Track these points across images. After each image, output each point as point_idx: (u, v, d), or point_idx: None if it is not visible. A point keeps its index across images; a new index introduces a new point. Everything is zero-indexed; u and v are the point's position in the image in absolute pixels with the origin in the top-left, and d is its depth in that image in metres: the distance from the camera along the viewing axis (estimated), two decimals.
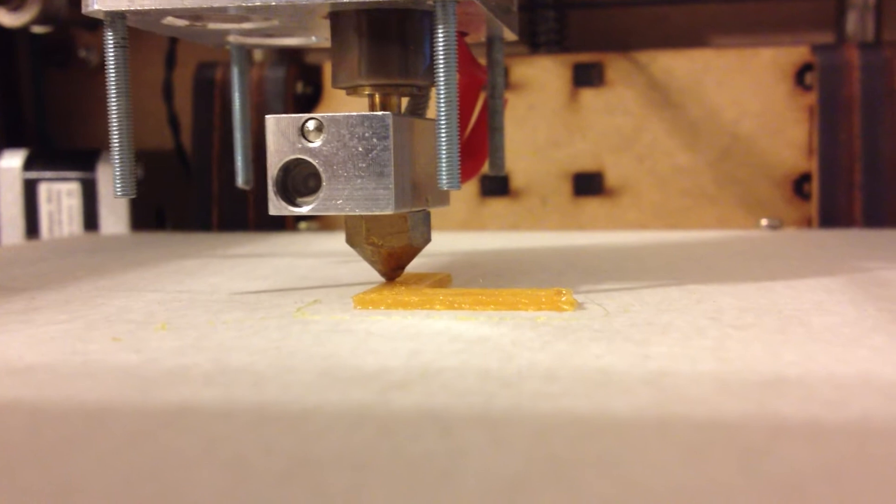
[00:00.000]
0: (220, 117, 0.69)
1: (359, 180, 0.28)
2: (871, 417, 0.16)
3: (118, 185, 0.31)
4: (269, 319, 0.27)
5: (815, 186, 0.61)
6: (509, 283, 0.34)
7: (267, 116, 0.28)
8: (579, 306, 0.28)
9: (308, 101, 0.69)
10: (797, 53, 0.62)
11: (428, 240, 0.32)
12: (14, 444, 0.16)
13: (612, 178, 0.64)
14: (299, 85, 0.68)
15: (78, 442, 0.16)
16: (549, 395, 0.18)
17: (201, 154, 0.69)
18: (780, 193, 0.62)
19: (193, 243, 0.55)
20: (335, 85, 0.31)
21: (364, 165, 0.28)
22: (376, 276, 0.35)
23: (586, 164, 0.64)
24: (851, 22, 0.64)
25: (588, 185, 0.64)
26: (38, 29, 0.69)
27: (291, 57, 0.73)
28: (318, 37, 0.35)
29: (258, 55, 0.72)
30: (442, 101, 0.27)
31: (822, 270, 0.37)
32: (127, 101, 0.30)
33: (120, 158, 0.30)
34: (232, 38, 0.35)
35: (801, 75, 0.62)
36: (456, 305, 0.28)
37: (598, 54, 0.64)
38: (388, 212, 0.28)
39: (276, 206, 0.29)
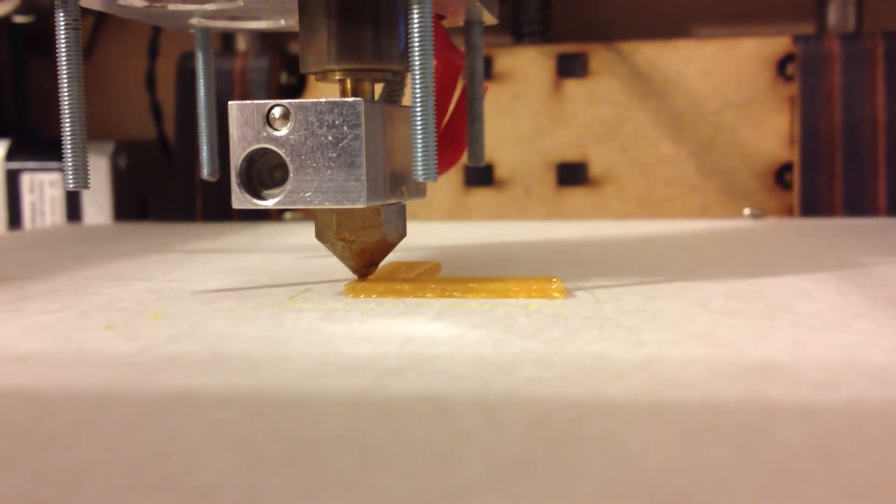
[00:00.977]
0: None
1: (328, 171, 0.26)
2: (861, 399, 0.17)
3: (70, 177, 0.28)
4: (261, 308, 0.27)
5: (796, 176, 0.62)
6: (498, 272, 0.34)
7: (230, 103, 0.27)
8: (569, 294, 0.29)
9: (292, 92, 0.69)
10: (779, 44, 0.62)
11: (403, 234, 0.31)
12: (19, 430, 0.16)
13: (595, 168, 0.64)
14: (283, 75, 0.68)
15: (83, 428, 0.16)
16: (544, 380, 0.19)
17: (185, 144, 0.69)
18: (762, 183, 0.63)
19: (178, 233, 0.55)
20: (303, 70, 0.29)
21: (334, 155, 0.26)
22: None
23: (570, 155, 0.65)
24: (833, 13, 0.65)
25: (572, 175, 0.65)
26: (19, 18, 0.69)
27: (275, 47, 0.73)
28: (286, 20, 0.33)
29: (241, 45, 0.72)
30: (417, 87, 0.26)
31: (805, 258, 0.38)
32: (80, 86, 0.28)
33: (72, 148, 0.28)
34: (195, 21, 0.34)
35: (782, 66, 0.62)
36: (447, 293, 0.28)
37: (582, 45, 0.64)
38: (360, 205, 0.26)
39: (240, 199, 0.27)
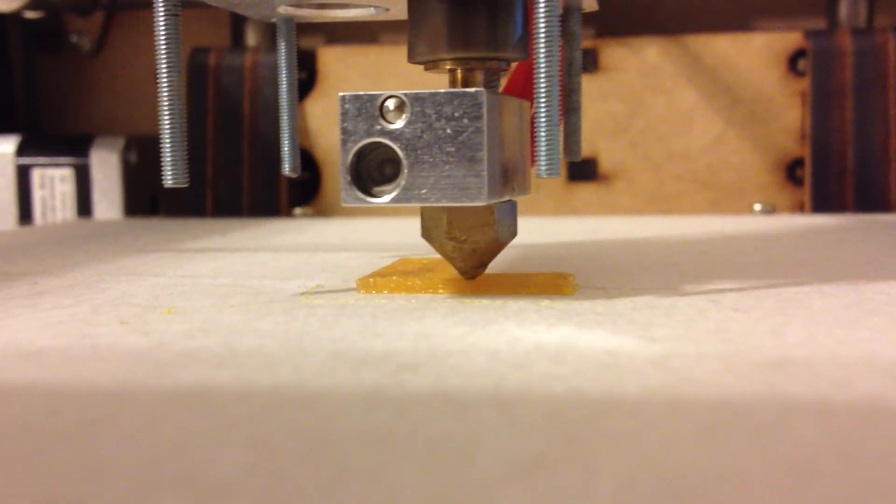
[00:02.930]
0: (215, 102, 0.69)
1: (446, 167, 0.24)
2: (878, 396, 0.17)
3: (169, 173, 0.27)
4: (274, 303, 0.27)
5: (807, 171, 0.62)
6: (509, 268, 0.34)
7: (341, 94, 0.25)
8: (581, 290, 0.29)
9: (302, 87, 0.69)
10: (790, 39, 0.62)
11: (514, 234, 0.29)
12: (38, 425, 0.16)
13: (605, 164, 0.64)
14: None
15: (99, 423, 0.16)
16: (559, 377, 0.19)
17: (195, 139, 0.69)
18: (773, 178, 0.63)
19: (189, 229, 0.55)
20: (411, 59, 0.28)
21: (452, 150, 0.24)
22: (376, 262, 0.35)
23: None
24: (844, 8, 0.64)
25: (582, 170, 0.65)
26: (30, 14, 0.69)
27: None
28: (381, 7, 0.31)
29: (251, 40, 0.72)
30: (542, 77, 0.24)
31: (817, 254, 0.38)
32: (179, 77, 0.27)
33: (171, 143, 0.27)
34: (282, 10, 0.32)
35: (794, 61, 0.62)
36: (458, 290, 0.28)
37: (592, 40, 0.64)
38: (480, 203, 0.25)
39: (351, 196, 0.25)
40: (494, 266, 0.34)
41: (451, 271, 0.30)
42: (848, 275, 0.31)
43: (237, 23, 0.73)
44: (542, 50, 0.25)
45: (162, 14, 0.26)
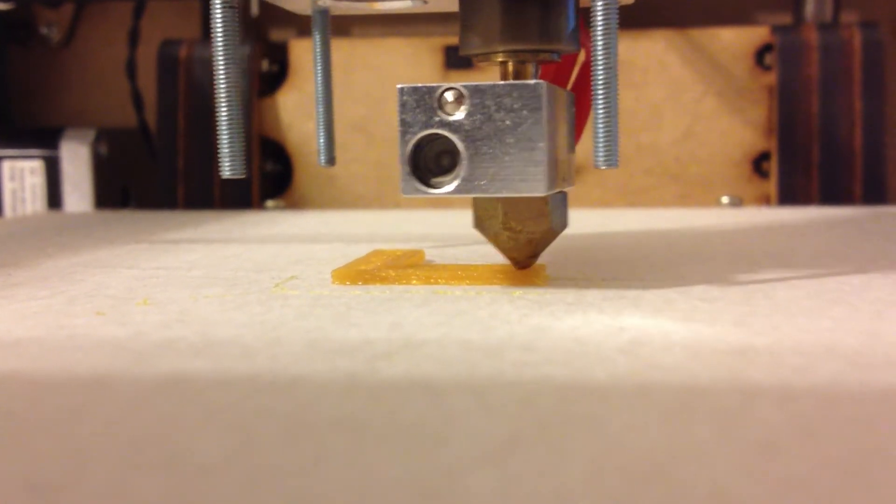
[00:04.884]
0: (185, 95, 0.69)
1: (506, 158, 0.25)
2: (838, 382, 0.17)
3: (227, 164, 0.27)
4: (249, 294, 0.28)
5: (773, 165, 0.63)
6: (482, 259, 0.34)
7: (399, 86, 0.25)
8: (552, 281, 0.29)
9: (273, 79, 0.69)
10: (757, 34, 0.63)
11: (566, 224, 0.29)
12: (19, 413, 0.16)
13: (576, 158, 0.65)
14: (265, 63, 0.68)
15: (81, 411, 0.16)
16: (530, 364, 0.19)
17: (166, 132, 0.69)
18: (740, 172, 0.64)
19: (161, 221, 0.55)
20: (463, 52, 0.28)
21: (512, 141, 0.25)
22: (350, 254, 0.36)
23: None
24: (810, 3, 0.65)
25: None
26: (0, 6, 0.68)
27: (256, 34, 0.73)
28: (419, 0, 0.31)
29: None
30: (600, 69, 0.25)
31: (782, 246, 0.38)
32: (237, 68, 0.27)
33: (229, 134, 0.27)
34: (321, 2, 0.31)
35: (760, 55, 0.63)
36: (432, 280, 0.29)
37: None
38: (540, 193, 0.25)
39: (410, 187, 0.25)
40: (470, 258, 0.35)
41: (423, 263, 0.31)
42: (811, 266, 0.32)
43: (208, 15, 0.73)
44: (601, 42, 0.25)
45: (219, 6, 0.26)
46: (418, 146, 0.25)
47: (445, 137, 0.25)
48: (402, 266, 0.30)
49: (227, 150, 0.27)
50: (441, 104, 0.25)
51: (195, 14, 0.75)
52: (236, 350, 0.21)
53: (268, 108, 0.68)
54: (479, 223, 0.28)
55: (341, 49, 0.68)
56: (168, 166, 0.69)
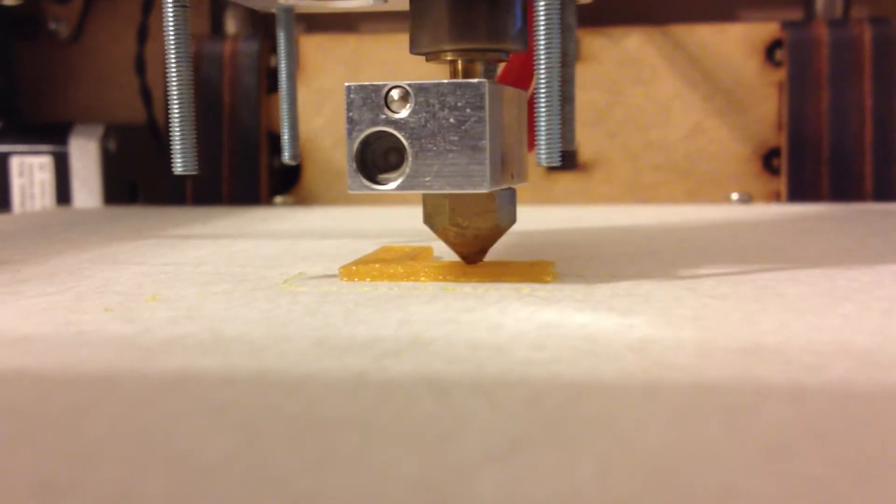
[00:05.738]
0: (194, 90, 0.69)
1: (450, 155, 0.25)
2: (851, 381, 0.17)
3: (179, 161, 0.27)
4: (257, 291, 0.28)
5: (783, 161, 0.62)
6: (489, 256, 0.34)
7: (346, 84, 0.26)
8: (561, 278, 0.29)
9: None
10: (767, 30, 0.63)
11: (514, 220, 0.30)
12: (27, 410, 0.16)
13: (584, 153, 0.65)
14: (273, 59, 0.68)
15: (88, 408, 0.16)
16: (539, 362, 0.19)
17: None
18: (750, 168, 0.64)
19: (169, 217, 0.55)
20: (413, 50, 0.28)
21: (456, 139, 0.25)
22: (358, 250, 0.36)
23: None
24: None
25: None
26: (7, 1, 0.69)
27: (265, 31, 0.73)
28: None
29: (231, 28, 0.72)
30: (542, 67, 0.25)
31: (792, 243, 0.38)
32: (189, 68, 0.27)
33: (181, 131, 0.27)
34: (282, 1, 0.32)
35: (771, 51, 0.63)
36: (440, 277, 0.29)
37: None
38: (483, 190, 0.26)
39: (357, 184, 0.26)
40: None
41: (432, 259, 0.31)
42: (822, 263, 0.31)
43: (217, 10, 0.73)
44: (543, 41, 0.25)
45: (171, 5, 0.26)
46: (366, 143, 0.26)
47: (393, 135, 0.26)
48: (411, 262, 0.30)
49: (178, 147, 0.27)
50: (387, 102, 0.25)
51: (203, 10, 0.75)
52: (244, 347, 0.21)
53: (276, 105, 0.68)
54: (429, 219, 0.29)
55: (348, 44, 0.68)
56: None
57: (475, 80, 0.25)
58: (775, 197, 0.63)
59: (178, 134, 0.27)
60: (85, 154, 0.69)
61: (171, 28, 0.26)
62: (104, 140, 0.69)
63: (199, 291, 0.28)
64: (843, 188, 0.61)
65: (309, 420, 0.16)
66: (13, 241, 0.43)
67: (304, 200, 0.69)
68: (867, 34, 0.61)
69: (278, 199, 0.69)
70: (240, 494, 0.12)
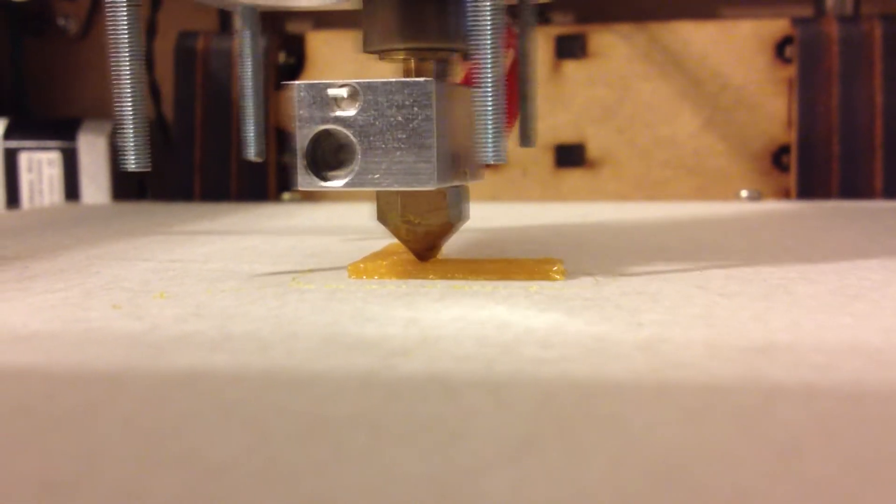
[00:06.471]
0: (202, 87, 0.69)
1: (397, 153, 0.26)
2: (862, 381, 0.17)
3: (132, 157, 0.27)
4: (265, 288, 0.28)
5: (793, 158, 0.62)
6: (497, 253, 0.34)
7: (296, 83, 0.26)
8: (569, 275, 0.29)
9: (291, 72, 0.69)
10: (777, 26, 0.63)
11: (466, 217, 0.30)
12: (35, 408, 0.16)
13: (593, 150, 0.65)
14: (281, 55, 0.68)
15: (97, 406, 0.16)
16: (547, 361, 0.19)
17: (183, 124, 0.69)
18: (759, 165, 0.63)
19: (177, 213, 0.55)
20: (365, 49, 0.29)
21: (403, 136, 0.26)
22: (366, 247, 0.35)
23: (568, 136, 0.65)
24: None
25: (570, 156, 0.65)
26: None
27: (273, 27, 0.73)
28: None
29: (239, 24, 0.72)
30: (487, 66, 0.25)
31: (802, 240, 0.38)
32: (141, 65, 0.27)
33: (134, 128, 0.27)
34: None
35: (780, 48, 0.63)
36: (449, 275, 0.29)
37: (580, 26, 0.64)
38: (430, 187, 0.26)
39: (306, 181, 0.26)
40: (485, 252, 0.34)
41: (441, 257, 0.30)
42: (832, 261, 0.31)
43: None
44: (488, 40, 0.25)
45: (123, 4, 0.27)
46: (317, 141, 0.26)
47: (342, 132, 0.26)
48: (420, 261, 0.30)
49: (131, 144, 0.27)
50: (336, 100, 0.26)
51: (212, 7, 0.75)
52: (252, 345, 0.21)
53: (284, 101, 0.68)
54: (381, 215, 0.29)
55: (357, 40, 0.68)
56: (185, 158, 0.69)
57: (422, 79, 0.26)
58: (785, 194, 0.63)
59: (129, 131, 0.27)
60: (93, 150, 0.69)
61: (123, 26, 0.27)
62: (113, 136, 0.70)
63: (208, 288, 0.28)
64: (853, 185, 0.61)
65: (317, 418, 0.15)
66: (21, 237, 0.43)
67: (312, 197, 0.69)
68: (877, 31, 0.61)
69: (286, 195, 0.69)
70: (248, 492, 0.12)
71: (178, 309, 0.25)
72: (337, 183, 0.26)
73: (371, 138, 0.26)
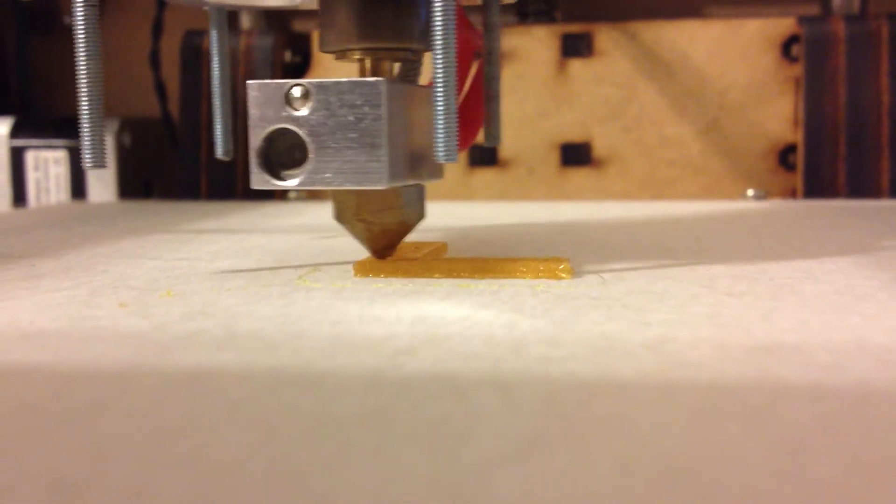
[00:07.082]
0: (209, 85, 0.69)
1: (349, 152, 0.26)
2: (869, 381, 0.17)
3: (88, 156, 0.27)
4: (271, 287, 0.28)
5: (800, 157, 0.62)
6: (504, 252, 0.34)
7: (249, 82, 0.26)
8: (576, 274, 0.29)
9: (296, 70, 0.69)
10: (784, 25, 0.63)
11: (422, 216, 0.31)
12: (42, 407, 0.16)
13: (599, 149, 0.65)
14: (287, 54, 0.68)
15: (104, 404, 0.16)
16: (555, 360, 0.19)
17: (189, 122, 0.69)
18: (766, 164, 0.63)
19: (184, 212, 0.55)
20: (323, 49, 0.29)
21: (355, 136, 0.26)
22: None
23: (574, 135, 0.65)
24: None
25: (576, 155, 0.65)
26: None
27: (279, 25, 0.73)
28: None
29: (246, 23, 0.72)
30: (439, 66, 0.25)
31: (809, 240, 0.38)
32: (98, 64, 0.27)
33: (90, 127, 0.27)
34: None
35: (787, 47, 0.63)
36: (455, 273, 0.29)
37: (586, 24, 0.64)
38: (381, 186, 0.26)
39: (260, 180, 0.26)
40: (491, 251, 0.34)
41: (447, 256, 0.30)
42: (839, 260, 0.31)
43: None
44: (440, 40, 0.25)
45: (80, 4, 0.27)
46: (272, 140, 0.26)
47: (295, 132, 0.26)
48: (425, 259, 0.30)
49: (88, 143, 0.27)
50: (289, 100, 0.26)
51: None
52: (259, 343, 0.21)
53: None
54: (338, 215, 0.30)
55: None
56: (191, 156, 0.69)
57: (373, 79, 0.26)
58: (791, 194, 0.63)
59: (87, 129, 0.27)
60: None
61: (81, 25, 0.27)
62: (119, 134, 0.70)
63: (214, 287, 0.28)
64: (860, 185, 0.61)
65: (324, 417, 0.15)
66: (28, 235, 0.43)
67: (319, 196, 0.69)
68: (885, 30, 0.61)
69: (292, 194, 0.69)
70: (255, 491, 0.12)
71: (184, 307, 0.25)
72: (291, 182, 0.26)
73: (323, 138, 0.26)
